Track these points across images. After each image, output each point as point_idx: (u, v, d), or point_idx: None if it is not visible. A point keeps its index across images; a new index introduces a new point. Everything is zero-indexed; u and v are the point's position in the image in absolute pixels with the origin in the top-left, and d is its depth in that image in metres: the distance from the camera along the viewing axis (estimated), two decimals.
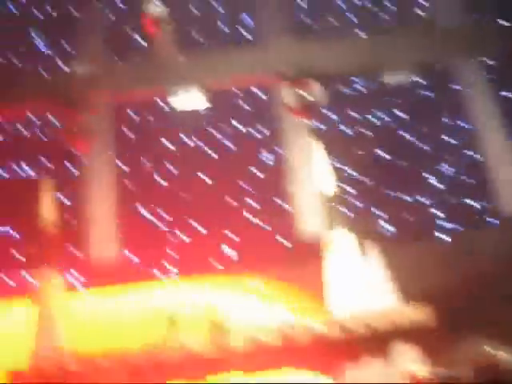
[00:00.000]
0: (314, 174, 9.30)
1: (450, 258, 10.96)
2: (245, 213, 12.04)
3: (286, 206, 10.85)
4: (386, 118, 12.68)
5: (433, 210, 12.47)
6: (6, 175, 11.76)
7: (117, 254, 11.10)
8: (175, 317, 7.21)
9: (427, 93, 12.11)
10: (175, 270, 11.27)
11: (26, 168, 12.16)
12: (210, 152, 12.18)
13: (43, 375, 6.63)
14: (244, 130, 12.25)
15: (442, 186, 12.20)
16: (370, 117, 12.44)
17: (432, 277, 10.73)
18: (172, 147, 12.09)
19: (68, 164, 11.56)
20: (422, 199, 12.46)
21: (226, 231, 12.08)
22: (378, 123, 12.46)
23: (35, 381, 6.68)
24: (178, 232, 11.93)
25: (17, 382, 6.82)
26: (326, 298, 7.89)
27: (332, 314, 7.34)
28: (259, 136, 12.23)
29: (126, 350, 6.62)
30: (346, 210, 10.25)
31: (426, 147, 12.00)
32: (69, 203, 10.88)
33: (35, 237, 8.41)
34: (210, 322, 7.58)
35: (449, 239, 11.51)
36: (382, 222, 12.24)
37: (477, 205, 11.61)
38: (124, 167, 11.88)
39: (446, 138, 12.02)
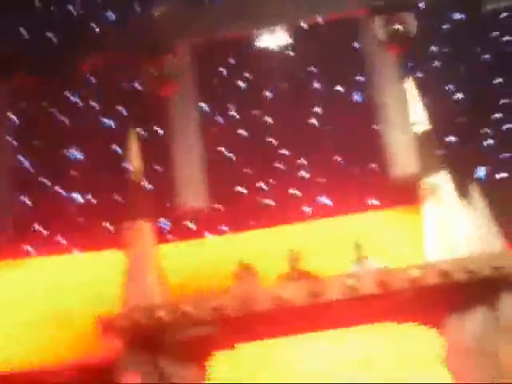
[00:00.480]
0: (406, 113, 8.76)
1: None
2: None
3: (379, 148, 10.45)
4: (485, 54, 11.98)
5: None
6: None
7: (205, 203, 11.05)
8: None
9: None
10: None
11: (109, 119, 12.26)
12: (296, 95, 11.87)
13: (133, 322, 6.58)
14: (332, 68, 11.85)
15: None
16: (466, 52, 11.77)
17: None
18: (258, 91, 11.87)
19: (153, 112, 11.51)
20: None
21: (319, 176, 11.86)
22: (477, 58, 11.77)
23: (125, 326, 6.67)
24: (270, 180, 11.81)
25: (106, 327, 6.81)
26: (426, 243, 7.55)
27: (432, 260, 6.95)
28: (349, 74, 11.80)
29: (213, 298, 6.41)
30: (443, 151, 9.78)
31: None
32: (155, 152, 10.83)
33: (123, 188, 8.34)
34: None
35: None
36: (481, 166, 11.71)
37: None
38: (210, 112, 11.76)
39: None
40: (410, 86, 8.57)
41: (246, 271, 8.47)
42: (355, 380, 6.47)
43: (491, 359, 6.32)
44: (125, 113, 12.15)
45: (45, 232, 11.73)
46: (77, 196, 12.37)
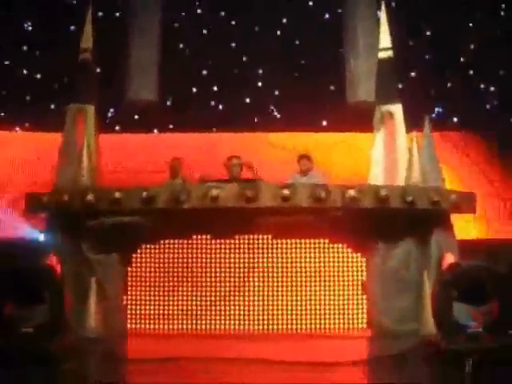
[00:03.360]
0: (374, 38, 8.55)
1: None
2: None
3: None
4: None
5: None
6: None
7: (156, 98, 10.76)
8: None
9: None
10: None
11: None
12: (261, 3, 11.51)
13: (61, 202, 6.43)
14: None
15: None
16: None
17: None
18: None
19: None
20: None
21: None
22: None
23: (52, 205, 6.48)
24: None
25: (33, 204, 6.69)
26: (371, 169, 7.52)
27: (371, 184, 6.91)
28: None
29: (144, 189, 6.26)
30: (402, 84, 9.66)
31: None
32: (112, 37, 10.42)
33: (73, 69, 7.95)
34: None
35: None
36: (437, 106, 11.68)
37: None
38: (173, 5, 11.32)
39: None
40: (382, 12, 8.27)
41: (179, 166, 8.40)
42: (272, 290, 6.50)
43: (410, 290, 6.39)
44: None
45: None
46: (25, 72, 11.94)
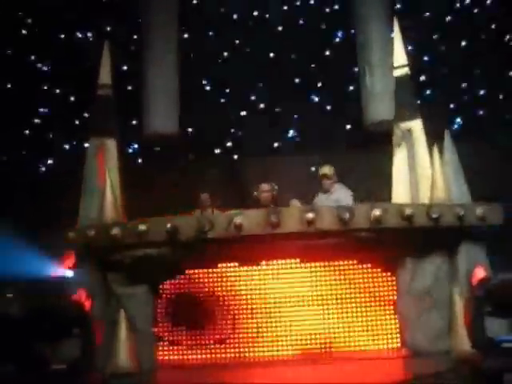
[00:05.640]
0: (389, 56, 8.52)
1: None
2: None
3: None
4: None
5: None
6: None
7: (176, 129, 10.82)
8: None
9: None
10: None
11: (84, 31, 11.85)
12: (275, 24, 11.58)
13: (87, 238, 6.45)
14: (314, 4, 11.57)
15: None
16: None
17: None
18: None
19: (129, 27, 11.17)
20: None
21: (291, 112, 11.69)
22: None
23: (78, 241, 6.52)
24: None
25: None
26: (392, 187, 7.46)
27: (395, 203, 6.85)
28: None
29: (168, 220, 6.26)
30: (420, 100, 9.63)
31: None
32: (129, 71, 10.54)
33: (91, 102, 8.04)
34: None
35: None
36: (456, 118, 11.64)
37: None
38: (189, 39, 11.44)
39: None
40: (396, 29, 8.27)
41: (206, 199, 8.49)
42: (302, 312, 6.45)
43: (441, 308, 6.30)
44: (102, 27, 11.83)
45: None
46: (43, 110, 12.10)
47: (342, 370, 5.90)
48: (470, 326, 5.44)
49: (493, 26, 11.70)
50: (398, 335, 6.43)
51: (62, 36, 11.95)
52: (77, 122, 11.81)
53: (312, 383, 5.13)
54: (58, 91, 12.06)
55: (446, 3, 11.81)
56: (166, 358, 6.59)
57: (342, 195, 7.71)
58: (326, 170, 7.97)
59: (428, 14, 11.90)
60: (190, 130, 11.75)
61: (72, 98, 11.46)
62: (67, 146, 11.91)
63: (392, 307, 6.45)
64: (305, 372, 5.84)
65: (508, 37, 11.69)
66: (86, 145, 7.69)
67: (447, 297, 6.27)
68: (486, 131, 11.50)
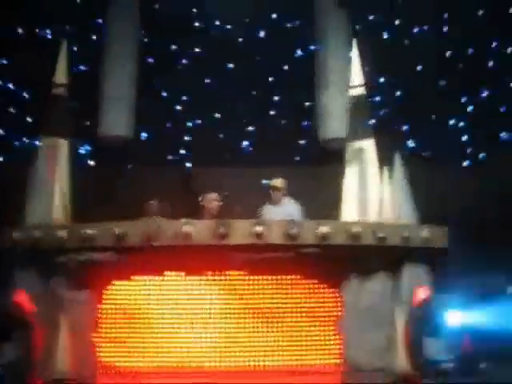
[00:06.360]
0: (347, 75, 8.65)
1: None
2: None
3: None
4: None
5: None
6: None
7: (130, 133, 10.75)
8: None
9: None
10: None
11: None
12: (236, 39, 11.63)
13: (31, 239, 6.35)
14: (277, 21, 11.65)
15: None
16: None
17: (453, 200, 10.41)
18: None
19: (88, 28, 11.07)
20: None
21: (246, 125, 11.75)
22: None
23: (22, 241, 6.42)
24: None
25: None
26: (341, 206, 7.57)
27: (343, 220, 6.95)
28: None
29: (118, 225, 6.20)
30: (373, 120, 9.79)
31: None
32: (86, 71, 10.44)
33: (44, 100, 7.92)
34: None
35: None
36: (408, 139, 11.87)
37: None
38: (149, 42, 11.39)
39: None
40: (354, 49, 8.41)
41: (154, 207, 8.45)
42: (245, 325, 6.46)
43: (383, 326, 6.40)
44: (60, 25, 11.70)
45: None
46: None
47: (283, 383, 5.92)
48: (409, 346, 5.54)
49: (448, 53, 11.98)
50: (340, 351, 6.48)
51: (20, 31, 11.76)
52: (29, 120, 11.62)
53: None
54: (11, 86, 11.86)
55: (405, 27, 12.05)
56: (107, 365, 6.50)
57: (290, 208, 7.77)
58: (278, 182, 8.02)
59: (387, 36, 12.12)
60: (143, 135, 11.68)
61: (26, 95, 11.25)
62: (17, 143, 11.70)
63: (335, 323, 6.50)
64: None
65: (461, 64, 11.99)
66: (37, 143, 7.57)
67: (389, 315, 6.38)
68: (438, 153, 11.79)
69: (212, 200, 7.83)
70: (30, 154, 7.59)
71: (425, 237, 6.54)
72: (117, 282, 6.54)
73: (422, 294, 6.30)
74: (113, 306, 6.54)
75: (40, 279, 6.45)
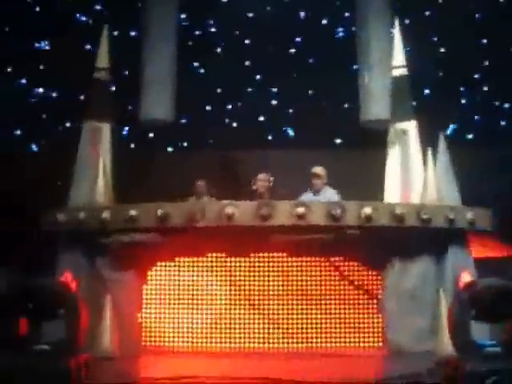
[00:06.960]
0: (388, 56, 8.54)
1: None
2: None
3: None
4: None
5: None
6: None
7: (170, 116, 10.77)
8: None
9: None
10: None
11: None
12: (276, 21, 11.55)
13: (76, 220, 6.45)
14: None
15: None
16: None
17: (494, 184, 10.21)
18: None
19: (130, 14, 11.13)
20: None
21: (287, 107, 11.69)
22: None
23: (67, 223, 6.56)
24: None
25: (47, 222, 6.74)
26: (383, 188, 7.51)
27: (386, 202, 6.88)
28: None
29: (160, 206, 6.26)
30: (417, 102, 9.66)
31: None
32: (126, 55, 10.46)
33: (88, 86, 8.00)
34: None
35: None
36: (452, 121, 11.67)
37: None
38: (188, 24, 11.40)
39: None
40: (396, 29, 8.28)
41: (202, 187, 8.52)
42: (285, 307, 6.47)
43: (426, 309, 6.33)
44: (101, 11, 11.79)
45: None
46: (41, 90, 12.04)
47: (324, 366, 5.91)
48: (454, 329, 5.45)
49: (494, 30, 11.68)
50: (382, 334, 6.45)
51: (62, 18, 11.86)
52: (72, 105, 11.73)
53: (293, 378, 5.13)
54: (54, 71, 11.98)
55: (448, 3, 11.80)
56: (151, 344, 6.57)
57: (329, 195, 7.69)
58: (318, 170, 7.92)
59: (428, 13, 11.90)
60: (183, 118, 11.71)
61: (68, 80, 11.35)
62: (60, 128, 11.85)
63: (377, 306, 6.46)
64: (287, 366, 5.85)
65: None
66: (81, 127, 7.65)
67: (433, 298, 6.31)
68: (481, 136, 11.57)
69: (261, 180, 7.89)
70: (74, 137, 7.70)
71: (470, 218, 6.44)
72: (160, 263, 6.61)
73: (466, 277, 6.20)
74: (157, 287, 6.62)
75: (84, 260, 6.56)
